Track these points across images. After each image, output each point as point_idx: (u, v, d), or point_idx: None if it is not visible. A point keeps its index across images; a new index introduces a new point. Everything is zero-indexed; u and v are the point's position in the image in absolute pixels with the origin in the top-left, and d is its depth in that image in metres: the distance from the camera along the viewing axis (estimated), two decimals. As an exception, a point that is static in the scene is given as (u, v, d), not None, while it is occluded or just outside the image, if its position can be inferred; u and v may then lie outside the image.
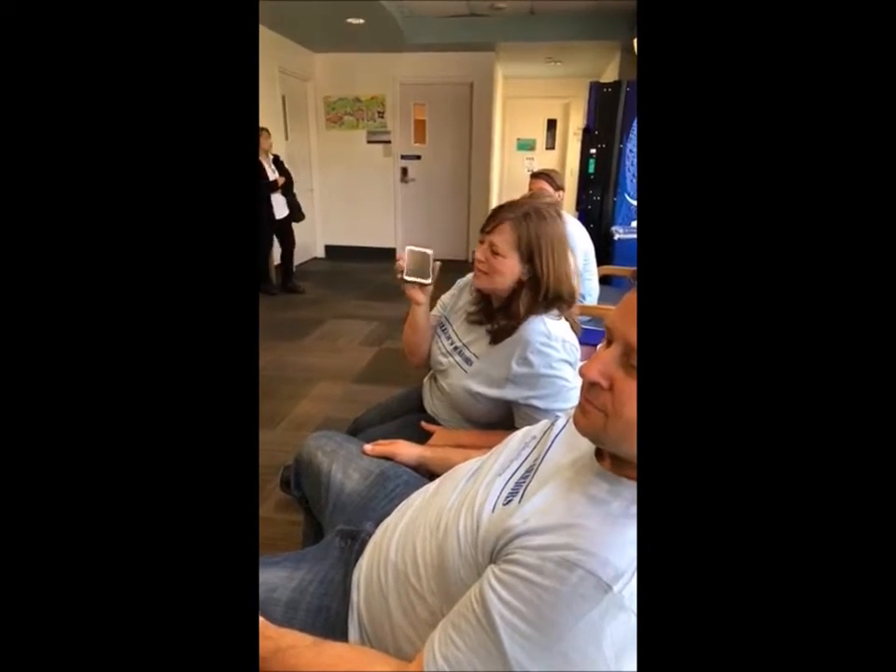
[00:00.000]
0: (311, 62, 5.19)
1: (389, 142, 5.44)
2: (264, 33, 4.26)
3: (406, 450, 1.03)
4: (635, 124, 3.43)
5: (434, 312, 1.38)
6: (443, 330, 1.27)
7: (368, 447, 1.03)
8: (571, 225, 2.32)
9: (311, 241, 5.59)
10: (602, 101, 3.50)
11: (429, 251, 1.20)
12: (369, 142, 5.47)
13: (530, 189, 2.36)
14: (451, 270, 5.07)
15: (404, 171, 5.53)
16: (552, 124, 6.71)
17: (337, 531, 0.85)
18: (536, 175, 2.39)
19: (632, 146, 3.46)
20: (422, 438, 1.18)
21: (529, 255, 1.07)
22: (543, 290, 1.07)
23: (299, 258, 5.12)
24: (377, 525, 0.82)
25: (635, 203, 3.55)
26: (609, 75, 5.43)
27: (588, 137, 3.63)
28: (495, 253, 1.09)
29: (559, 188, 2.36)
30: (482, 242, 1.13)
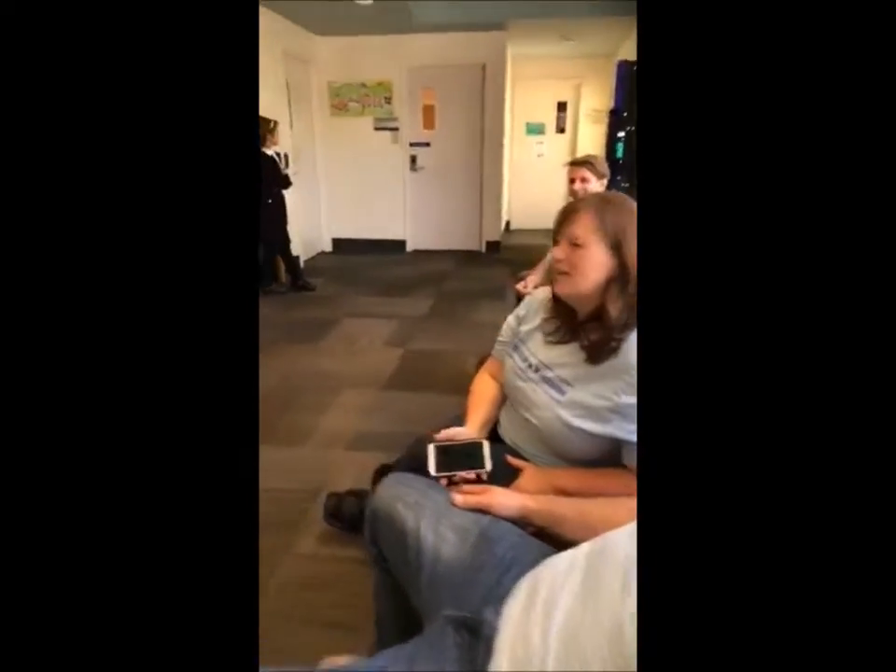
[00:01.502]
0: (313, 45, 4.95)
1: (397, 129, 5.22)
2: (266, 15, 4.02)
3: (504, 500, 0.86)
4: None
5: (501, 337, 1.21)
6: (517, 350, 1.10)
7: (458, 498, 0.85)
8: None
9: (317, 234, 5.39)
10: (631, 80, 3.29)
11: (480, 440, 0.99)
12: (376, 129, 5.24)
13: (571, 179, 2.18)
14: (465, 261, 4.87)
15: (413, 159, 5.32)
16: (562, 106, 6.47)
17: (447, 619, 0.68)
18: (576, 163, 2.20)
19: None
20: (503, 473, 1.01)
21: (616, 241, 0.91)
22: (634, 286, 0.91)
23: (305, 253, 4.93)
24: (498, 609, 0.66)
25: (666, 188, 3.36)
26: (624, 53, 5.20)
27: (616, 119, 3.42)
28: (575, 245, 0.93)
29: (603, 175, 2.17)
30: (556, 242, 0.97)
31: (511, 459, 1.02)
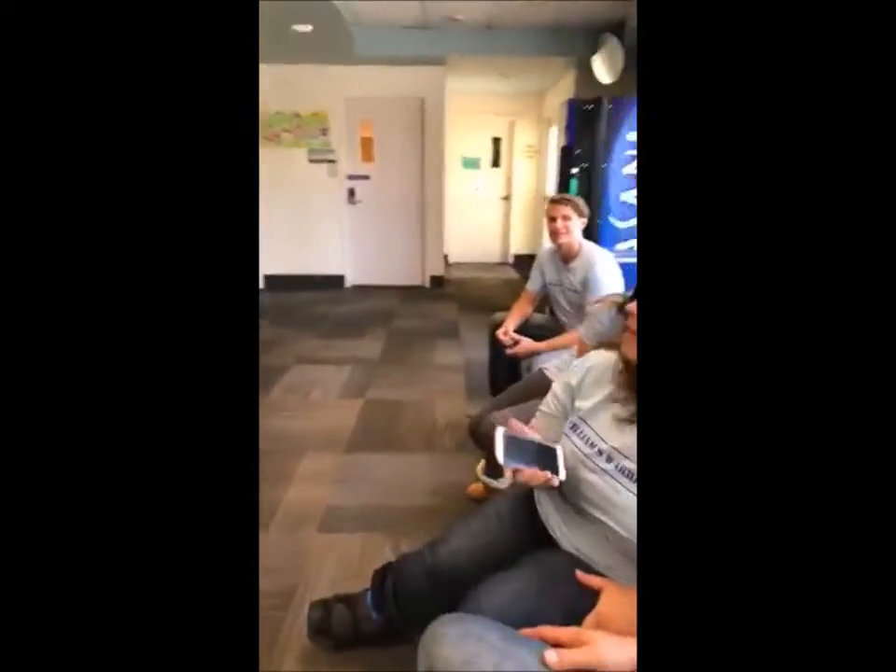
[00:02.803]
0: (242, 72, 4.65)
1: (334, 161, 4.99)
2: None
3: (615, 655, 0.65)
4: (617, 144, 3.26)
5: (545, 408, 1.02)
6: (576, 431, 0.91)
7: (553, 658, 0.64)
8: (606, 263, 2.03)
9: (248, 270, 4.99)
10: (582, 119, 3.30)
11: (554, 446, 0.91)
12: (311, 161, 4.99)
13: (552, 217, 2.06)
14: (410, 297, 4.68)
15: (351, 192, 5.10)
16: (496, 142, 6.53)
17: None
18: (557, 201, 2.10)
19: (615, 166, 3.28)
20: (572, 597, 0.81)
21: None
22: None
23: (238, 291, 4.54)
24: None
25: (620, 224, 3.38)
26: (558, 92, 5.33)
27: (568, 157, 3.41)
28: None
29: (583, 214, 2.08)
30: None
31: (582, 576, 0.82)
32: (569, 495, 0.90)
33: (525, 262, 6.58)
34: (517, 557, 0.92)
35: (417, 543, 1.15)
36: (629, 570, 0.81)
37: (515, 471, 0.83)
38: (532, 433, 0.90)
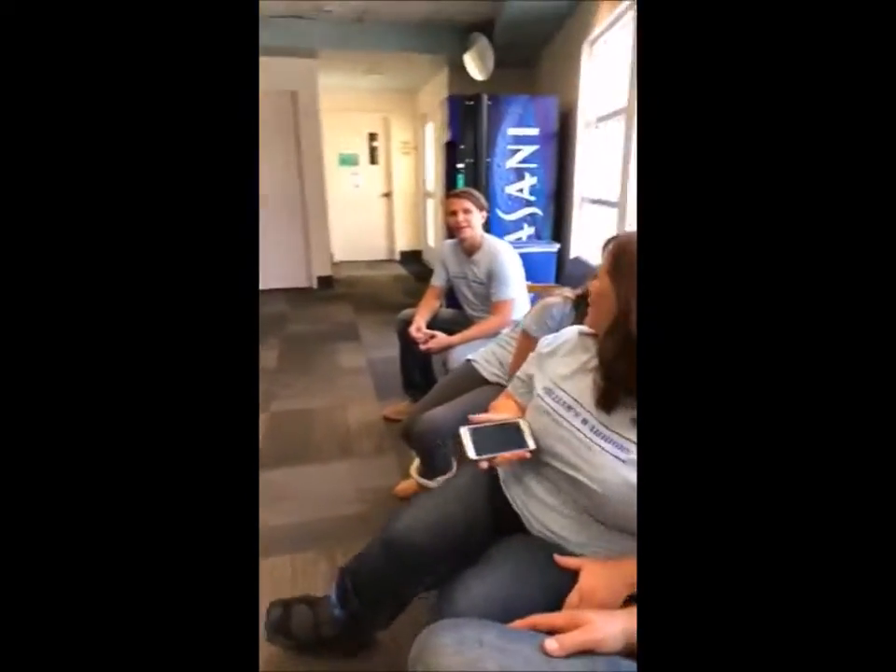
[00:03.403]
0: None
1: (201, 159, 4.61)
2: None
3: (608, 629, 0.67)
4: (499, 138, 3.37)
5: (522, 375, 1.09)
6: (551, 395, 0.94)
7: (554, 645, 0.64)
8: (509, 253, 2.10)
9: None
10: (464, 115, 3.37)
11: (517, 419, 0.96)
12: (174, 159, 4.56)
13: (452, 211, 2.08)
14: (299, 300, 4.50)
15: (223, 192, 4.74)
16: (373, 137, 6.46)
17: None
18: (456, 195, 2.11)
19: (499, 160, 3.39)
20: (549, 581, 0.83)
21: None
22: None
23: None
24: None
25: (505, 217, 3.50)
26: (432, 89, 5.40)
27: (454, 152, 3.46)
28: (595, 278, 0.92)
29: (483, 207, 2.12)
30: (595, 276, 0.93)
31: (560, 559, 0.84)
32: (542, 455, 0.91)
33: (411, 258, 6.62)
34: (481, 538, 0.93)
35: (354, 553, 1.11)
36: (602, 543, 0.85)
37: (490, 460, 0.85)
38: (493, 415, 0.95)
